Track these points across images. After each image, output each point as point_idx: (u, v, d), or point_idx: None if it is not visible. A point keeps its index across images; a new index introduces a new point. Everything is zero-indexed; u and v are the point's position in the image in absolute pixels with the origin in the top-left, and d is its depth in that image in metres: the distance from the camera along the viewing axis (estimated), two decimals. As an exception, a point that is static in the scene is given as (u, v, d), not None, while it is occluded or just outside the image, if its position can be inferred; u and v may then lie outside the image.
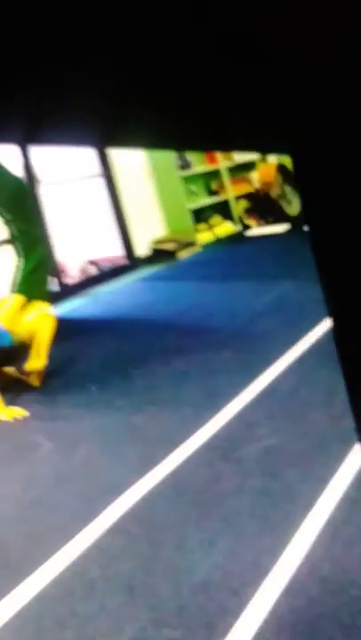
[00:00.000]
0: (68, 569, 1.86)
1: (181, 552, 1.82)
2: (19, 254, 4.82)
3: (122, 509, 2.12)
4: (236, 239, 7.61)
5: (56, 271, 5.75)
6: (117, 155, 6.78)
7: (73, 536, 2.02)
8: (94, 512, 2.13)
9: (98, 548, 1.94)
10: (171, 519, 2.00)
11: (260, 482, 2.10)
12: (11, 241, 4.82)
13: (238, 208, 8.21)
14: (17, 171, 5.43)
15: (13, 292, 4.73)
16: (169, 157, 7.22)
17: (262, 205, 8.02)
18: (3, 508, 2.32)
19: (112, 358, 3.71)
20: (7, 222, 4.79)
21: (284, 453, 2.26)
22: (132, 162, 7.01)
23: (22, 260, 4.82)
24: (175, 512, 2.03)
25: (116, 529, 2.02)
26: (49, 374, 3.65)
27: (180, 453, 2.42)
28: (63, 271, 6.14)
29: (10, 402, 3.34)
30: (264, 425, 2.52)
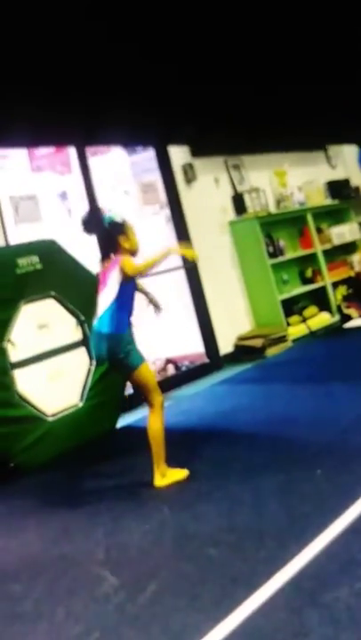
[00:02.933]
0: None
1: None
2: (91, 357, 4.98)
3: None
4: (334, 332, 7.55)
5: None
6: (200, 244, 6.97)
7: None
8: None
9: None
10: None
11: (355, 636, 1.99)
12: (84, 343, 4.99)
13: (337, 296, 8.18)
14: (95, 268, 5.67)
15: (83, 397, 4.87)
16: (258, 244, 7.35)
17: (365, 292, 7.99)
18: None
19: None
20: (81, 323, 4.99)
21: (381, 600, 2.15)
22: (216, 251, 7.18)
23: (94, 362, 4.97)
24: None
25: None
26: (111, 491, 3.66)
27: (261, 595, 2.35)
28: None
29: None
30: (360, 562, 2.42)
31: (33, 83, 5.05)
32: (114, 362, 3.69)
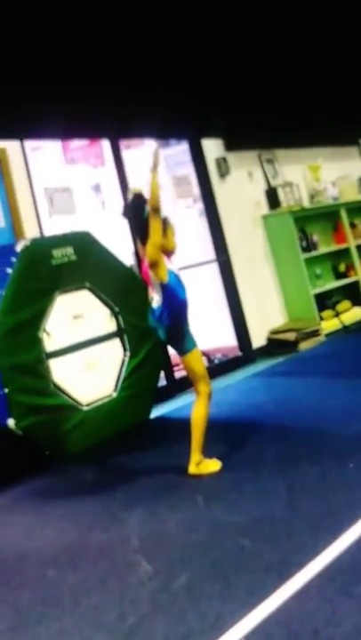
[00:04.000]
0: None
1: None
2: (125, 348, 5.01)
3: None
4: (368, 327, 7.50)
5: (167, 365, 5.88)
6: (233, 238, 6.97)
7: None
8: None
9: None
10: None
11: (387, 626, 2.00)
12: (117, 334, 5.03)
13: (370, 290, 8.13)
14: (129, 260, 5.72)
15: (117, 387, 4.91)
16: (291, 239, 7.33)
17: None
18: (94, 634, 2.34)
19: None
20: (115, 314, 5.03)
21: None
22: (249, 245, 7.17)
23: (128, 354, 5.00)
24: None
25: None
26: (145, 480, 3.68)
27: (294, 584, 2.36)
28: (176, 364, 6.27)
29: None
30: (392, 554, 2.41)
31: (67, 76, 5.08)
32: (171, 343, 3.79)
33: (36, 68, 4.87)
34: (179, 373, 6.17)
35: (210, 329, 6.75)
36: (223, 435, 4.20)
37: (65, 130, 5.72)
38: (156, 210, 3.49)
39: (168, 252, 3.66)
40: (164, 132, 6.68)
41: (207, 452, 3.70)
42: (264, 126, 7.23)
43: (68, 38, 4.85)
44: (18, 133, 5.33)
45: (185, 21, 5.43)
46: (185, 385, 6.04)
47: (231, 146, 7.18)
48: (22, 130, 5.34)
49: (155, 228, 3.49)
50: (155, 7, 5.05)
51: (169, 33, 5.45)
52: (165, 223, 3.61)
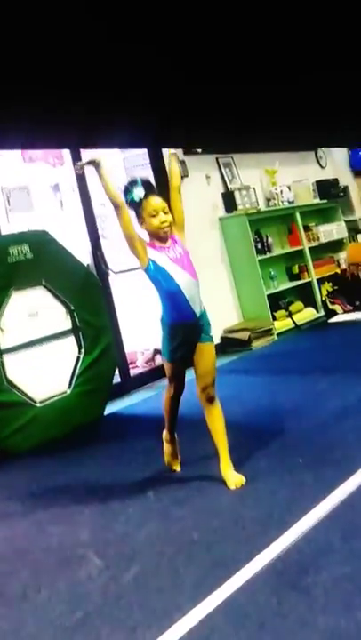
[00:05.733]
0: None
1: None
2: (80, 346, 4.96)
3: (170, 642, 2.05)
4: (319, 327, 7.56)
5: (121, 363, 5.85)
6: (191, 239, 6.95)
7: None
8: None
9: None
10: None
11: (332, 619, 1.99)
12: (72, 332, 4.97)
13: (322, 292, 8.20)
14: (85, 259, 5.67)
15: (71, 384, 4.86)
16: (246, 240, 7.35)
17: (350, 288, 7.99)
18: (41, 629, 2.29)
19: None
20: (70, 312, 4.97)
21: (360, 584, 2.15)
22: (206, 246, 7.17)
23: (83, 351, 4.95)
24: (230, 649, 1.96)
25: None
26: (96, 476, 3.65)
27: (241, 577, 2.35)
28: (131, 362, 6.23)
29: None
30: (338, 549, 2.42)
31: (28, 85, 4.98)
32: None
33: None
34: (134, 371, 6.15)
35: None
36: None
37: (26, 140, 5.60)
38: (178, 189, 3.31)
39: (151, 234, 3.28)
40: (125, 142, 6.64)
41: (147, 450, 3.64)
42: (222, 131, 7.22)
43: (32, 45, 4.75)
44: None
45: (145, 30, 5.38)
46: (139, 382, 6.02)
47: (189, 150, 7.17)
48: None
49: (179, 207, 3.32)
50: (117, 15, 4.98)
51: (128, 41, 5.39)
52: (139, 205, 3.23)
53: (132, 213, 3.26)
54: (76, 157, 6.00)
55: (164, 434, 3.59)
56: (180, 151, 7.11)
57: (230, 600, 2.22)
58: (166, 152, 6.89)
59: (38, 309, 4.79)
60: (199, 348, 3.36)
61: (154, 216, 3.22)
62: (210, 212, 7.40)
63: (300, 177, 8.65)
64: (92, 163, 3.26)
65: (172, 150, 3.57)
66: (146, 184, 3.28)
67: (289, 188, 8.37)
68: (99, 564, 2.69)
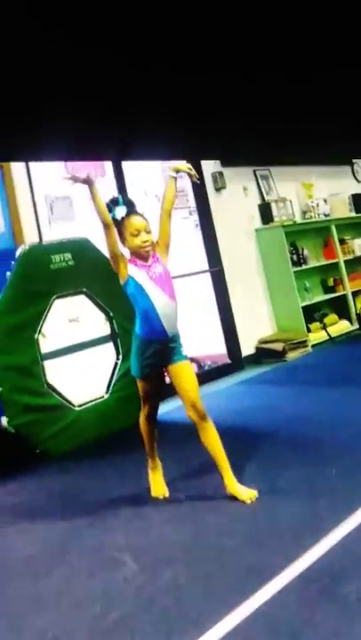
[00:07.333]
0: None
1: None
2: (118, 352, 4.99)
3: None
4: (353, 340, 7.49)
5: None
6: (227, 250, 6.96)
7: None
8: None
9: None
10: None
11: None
12: (111, 338, 5.00)
13: (357, 305, 8.14)
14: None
15: (109, 389, 4.88)
16: (282, 252, 7.32)
17: (384, 302, 7.91)
18: (78, 629, 2.30)
19: (199, 470, 3.64)
20: (109, 319, 5.00)
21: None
22: (242, 257, 7.16)
23: (121, 357, 4.97)
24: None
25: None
26: (132, 480, 3.66)
27: (274, 585, 2.33)
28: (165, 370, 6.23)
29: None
30: (371, 559, 2.38)
31: (71, 99, 5.03)
32: None
33: (41, 91, 4.81)
34: (169, 379, 6.14)
35: (201, 336, 6.73)
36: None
37: (68, 152, 5.66)
38: (168, 213, 3.35)
39: (133, 254, 3.26)
40: (165, 154, 6.67)
41: (190, 456, 3.65)
42: (260, 144, 7.22)
43: (75, 60, 4.79)
44: (20, 156, 5.30)
45: (175, 42, 5.37)
46: (173, 390, 6.00)
47: (227, 162, 7.18)
48: (25, 153, 5.30)
49: (167, 229, 3.34)
50: (147, 34, 5.00)
51: (167, 57, 5.41)
52: (119, 225, 3.22)
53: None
54: (118, 169, 6.06)
55: (149, 461, 3.54)
56: (217, 163, 7.13)
57: (263, 608, 2.20)
58: (204, 166, 6.93)
59: (78, 315, 4.83)
60: (176, 370, 3.35)
61: (135, 235, 3.21)
62: (246, 223, 7.39)
63: (337, 190, 8.61)
64: (86, 181, 3.25)
65: (173, 174, 3.54)
66: (128, 203, 3.29)
67: (325, 200, 8.33)
68: (133, 568, 2.69)
